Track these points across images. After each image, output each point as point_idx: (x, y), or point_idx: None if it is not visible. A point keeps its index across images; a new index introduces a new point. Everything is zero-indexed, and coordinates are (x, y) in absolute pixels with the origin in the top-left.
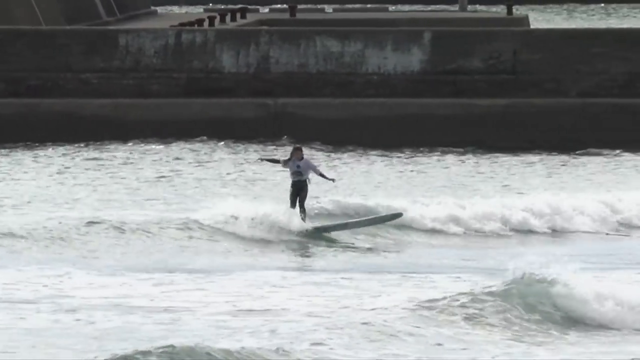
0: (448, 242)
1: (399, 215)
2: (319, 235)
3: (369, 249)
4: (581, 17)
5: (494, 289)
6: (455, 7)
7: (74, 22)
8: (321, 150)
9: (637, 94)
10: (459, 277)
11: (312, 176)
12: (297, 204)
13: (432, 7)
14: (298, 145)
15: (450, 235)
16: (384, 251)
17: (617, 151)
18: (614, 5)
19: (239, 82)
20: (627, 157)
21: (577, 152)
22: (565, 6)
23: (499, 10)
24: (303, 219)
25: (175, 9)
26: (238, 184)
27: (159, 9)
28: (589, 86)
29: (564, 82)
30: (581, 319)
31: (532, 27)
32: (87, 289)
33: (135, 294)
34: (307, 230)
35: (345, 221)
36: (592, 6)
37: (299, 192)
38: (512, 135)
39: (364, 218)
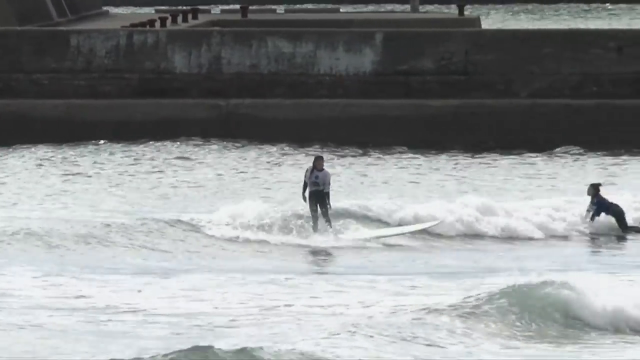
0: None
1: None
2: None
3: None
4: (550, 18)
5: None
6: (407, 7)
7: (25, 22)
8: (272, 150)
9: (588, 95)
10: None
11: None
12: (320, 216)
13: (384, 7)
14: (320, 155)
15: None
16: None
17: (568, 151)
18: (566, 5)
19: (190, 83)
20: (578, 157)
21: (528, 153)
22: (530, 6)
23: (450, 10)
24: (327, 224)
25: (121, 10)
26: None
27: (111, 10)
28: (540, 87)
29: (515, 83)
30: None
31: (483, 27)
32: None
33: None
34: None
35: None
36: (563, 5)
37: (317, 200)
38: (464, 135)
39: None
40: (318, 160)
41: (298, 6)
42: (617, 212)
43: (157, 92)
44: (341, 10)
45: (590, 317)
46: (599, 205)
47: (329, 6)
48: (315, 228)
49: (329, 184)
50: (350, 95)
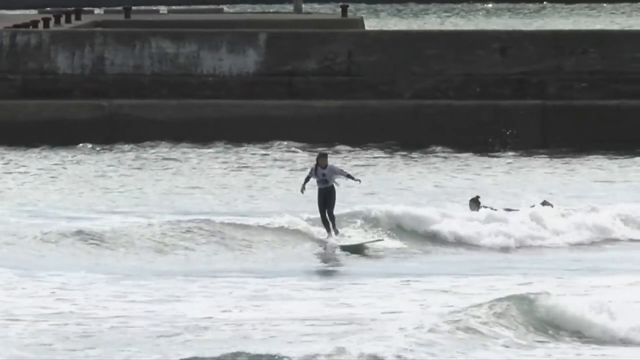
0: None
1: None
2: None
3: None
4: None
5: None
6: (291, 8)
7: None
8: (158, 151)
9: (471, 96)
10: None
11: (339, 180)
12: (327, 215)
13: (267, 7)
14: (324, 152)
15: None
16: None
17: (452, 152)
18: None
19: (74, 84)
20: (462, 158)
21: (411, 154)
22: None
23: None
24: (333, 230)
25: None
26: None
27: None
28: (423, 88)
29: (398, 84)
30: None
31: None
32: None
33: None
34: (335, 247)
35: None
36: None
37: (325, 199)
38: (347, 136)
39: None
40: (322, 158)
41: (182, 7)
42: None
43: (40, 93)
44: (224, 10)
45: None
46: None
47: (212, 6)
48: (329, 231)
49: (339, 172)
50: (234, 96)
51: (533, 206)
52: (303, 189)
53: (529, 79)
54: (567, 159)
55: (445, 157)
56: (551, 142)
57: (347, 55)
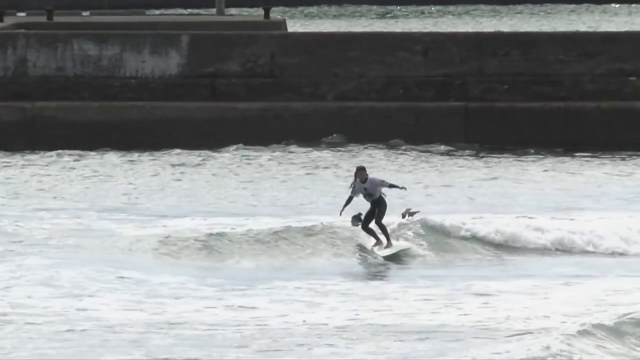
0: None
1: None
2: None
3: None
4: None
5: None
6: (213, 11)
7: None
8: (78, 154)
9: (394, 98)
10: None
11: (385, 190)
12: (375, 221)
13: (190, 10)
14: (360, 165)
15: None
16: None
17: (375, 153)
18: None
19: None
20: (385, 158)
21: (334, 155)
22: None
23: (255, 12)
24: (381, 237)
25: None
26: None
27: None
28: (346, 89)
29: (321, 86)
30: None
31: (290, 30)
32: None
33: None
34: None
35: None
36: (373, 7)
37: (374, 211)
38: (270, 138)
39: None
40: (360, 172)
41: (105, 10)
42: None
43: None
44: (146, 12)
45: None
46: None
47: (135, 9)
48: (378, 238)
49: (380, 183)
50: (157, 98)
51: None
52: (342, 211)
53: (451, 81)
54: (489, 160)
55: (368, 158)
56: (474, 143)
57: (270, 57)
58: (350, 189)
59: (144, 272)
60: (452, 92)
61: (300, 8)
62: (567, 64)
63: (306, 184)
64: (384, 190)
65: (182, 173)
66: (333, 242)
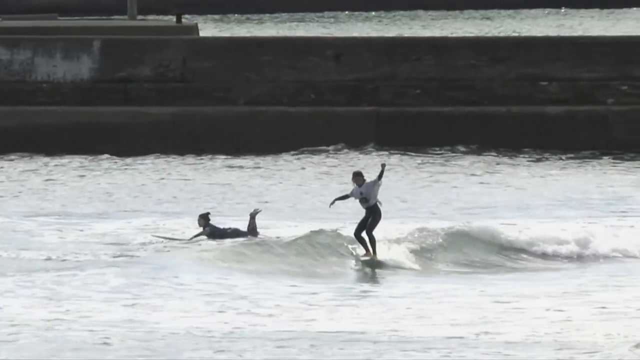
0: None
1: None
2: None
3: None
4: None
5: None
6: (125, 17)
7: None
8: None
9: (306, 102)
10: None
11: (381, 189)
12: (365, 230)
13: (104, 17)
14: (357, 170)
15: None
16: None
17: (287, 157)
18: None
19: None
20: (296, 163)
21: (245, 160)
22: (251, 15)
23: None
24: (370, 247)
25: None
26: None
27: None
28: (258, 94)
29: (233, 90)
30: None
31: (202, 35)
32: None
33: None
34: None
35: None
36: (283, 14)
37: (368, 219)
38: (181, 142)
39: None
40: (356, 177)
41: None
42: (233, 233)
43: None
44: (58, 18)
45: None
46: (213, 232)
47: (46, 14)
48: (367, 249)
49: (373, 184)
50: (69, 103)
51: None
52: (332, 203)
53: (363, 86)
54: (401, 166)
55: (282, 162)
56: (386, 148)
57: (182, 62)
58: (352, 192)
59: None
60: (364, 97)
61: (214, 16)
62: (479, 68)
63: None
64: (380, 190)
65: (89, 176)
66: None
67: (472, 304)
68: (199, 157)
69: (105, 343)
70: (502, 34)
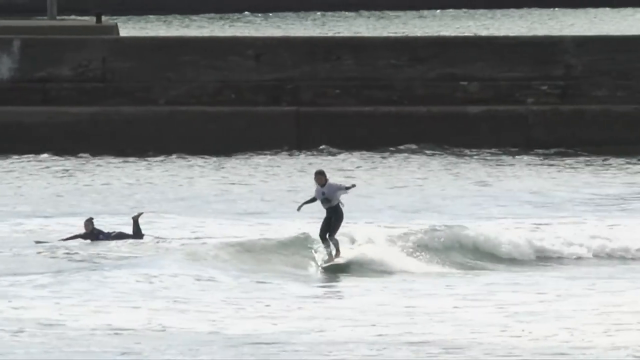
0: None
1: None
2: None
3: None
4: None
5: None
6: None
7: None
8: None
9: (226, 102)
10: None
11: (344, 196)
12: (328, 234)
13: (23, 17)
14: (319, 169)
15: None
16: None
17: (207, 158)
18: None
19: None
20: (217, 162)
21: (165, 160)
22: (172, 17)
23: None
24: (331, 251)
25: None
26: None
27: None
28: (178, 94)
29: (153, 90)
30: None
31: (122, 35)
32: None
33: None
34: (321, 267)
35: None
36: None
37: (329, 221)
38: (101, 142)
39: None
40: (318, 177)
41: None
42: (117, 236)
43: None
44: None
45: None
46: (97, 235)
47: None
48: (328, 251)
49: (338, 188)
50: None
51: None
52: (301, 206)
53: (283, 86)
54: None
55: (202, 162)
56: (306, 148)
57: (102, 62)
58: (315, 192)
59: None
60: (284, 97)
61: (134, 16)
62: (399, 68)
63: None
64: (343, 198)
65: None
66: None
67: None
68: (119, 157)
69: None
70: (424, 34)
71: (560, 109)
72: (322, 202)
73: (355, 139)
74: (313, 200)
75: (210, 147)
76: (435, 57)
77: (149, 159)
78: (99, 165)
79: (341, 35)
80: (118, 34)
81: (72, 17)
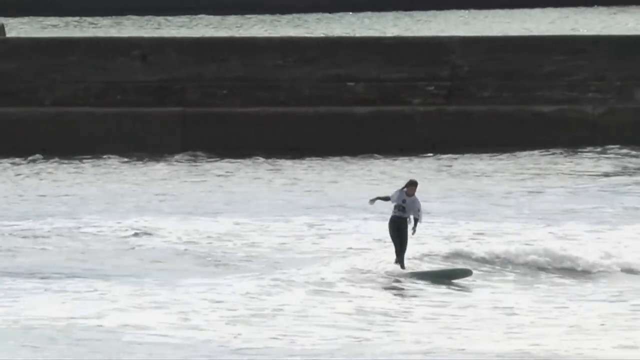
0: None
1: (468, 273)
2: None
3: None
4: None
5: None
6: None
7: None
8: None
9: (112, 103)
10: None
11: (411, 217)
12: (401, 240)
13: None
14: (414, 180)
15: None
16: None
17: (91, 159)
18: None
19: None
20: (99, 165)
21: (51, 162)
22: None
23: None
24: (402, 264)
25: None
26: None
27: None
28: (64, 95)
29: (39, 91)
30: None
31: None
32: None
33: None
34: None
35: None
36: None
37: (399, 230)
38: None
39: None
40: (410, 187)
41: None
42: None
43: None
44: None
45: None
46: None
47: None
48: (400, 262)
49: (418, 209)
50: None
51: None
52: (373, 201)
53: (169, 86)
54: (206, 167)
55: (88, 164)
56: (191, 149)
57: None
58: (393, 191)
59: None
60: (170, 98)
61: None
62: (285, 69)
63: None
64: (412, 217)
65: None
66: None
67: None
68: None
69: None
70: (312, 35)
71: (446, 109)
72: (397, 207)
73: (241, 141)
74: (387, 199)
75: (95, 148)
76: (322, 57)
77: (34, 160)
78: None
79: (228, 35)
80: (4, 34)
81: None
